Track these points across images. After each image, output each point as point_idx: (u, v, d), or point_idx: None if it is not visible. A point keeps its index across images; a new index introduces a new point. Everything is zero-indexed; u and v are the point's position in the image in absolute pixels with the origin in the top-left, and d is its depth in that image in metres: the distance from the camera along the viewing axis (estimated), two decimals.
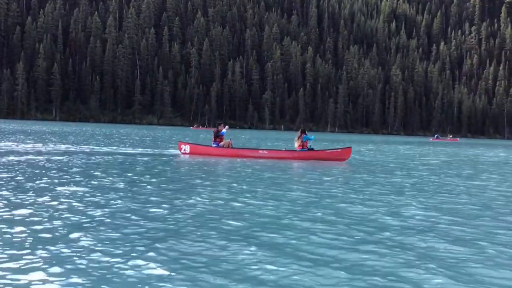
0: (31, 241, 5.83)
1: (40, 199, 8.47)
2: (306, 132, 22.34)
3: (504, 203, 10.57)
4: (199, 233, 6.50)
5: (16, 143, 24.58)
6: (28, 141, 26.98)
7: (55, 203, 8.24)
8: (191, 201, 9.14)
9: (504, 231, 7.42)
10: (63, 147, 23.88)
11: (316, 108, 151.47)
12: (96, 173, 13.16)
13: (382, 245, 6.21)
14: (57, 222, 6.80)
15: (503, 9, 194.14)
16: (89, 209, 7.86)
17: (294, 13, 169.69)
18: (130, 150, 23.51)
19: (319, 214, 8.29)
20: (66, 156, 18.00)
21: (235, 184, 11.99)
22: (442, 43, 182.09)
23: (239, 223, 7.24)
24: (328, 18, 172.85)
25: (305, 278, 4.88)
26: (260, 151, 22.89)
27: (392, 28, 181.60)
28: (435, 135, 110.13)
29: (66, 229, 6.45)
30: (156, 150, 24.36)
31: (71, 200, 8.61)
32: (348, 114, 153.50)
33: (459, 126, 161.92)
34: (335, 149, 23.11)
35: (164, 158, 19.89)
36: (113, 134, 47.02)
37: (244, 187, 11.61)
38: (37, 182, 10.72)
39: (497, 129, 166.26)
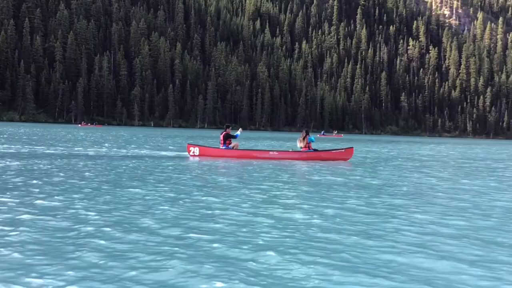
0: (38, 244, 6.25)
1: None
2: (310, 134, 24.14)
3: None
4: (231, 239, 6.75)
5: None
6: None
7: None
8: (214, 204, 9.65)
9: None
10: None
11: (186, 104, 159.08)
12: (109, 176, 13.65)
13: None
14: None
15: (359, 10, 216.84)
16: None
17: (160, 8, 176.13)
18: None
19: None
20: None
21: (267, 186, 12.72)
22: (304, 42, 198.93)
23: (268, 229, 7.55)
24: (195, 15, 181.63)
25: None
26: (270, 153, 24.10)
27: (257, 26, 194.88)
28: (322, 132, 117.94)
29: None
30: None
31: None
32: (217, 111, 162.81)
33: (321, 122, 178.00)
34: (339, 149, 24.81)
35: (172, 162, 20.12)
36: None
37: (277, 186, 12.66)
38: None
39: (355, 125, 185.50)
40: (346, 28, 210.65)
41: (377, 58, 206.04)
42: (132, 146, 31.65)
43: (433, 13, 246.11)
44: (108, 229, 7.08)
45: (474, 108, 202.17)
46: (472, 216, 9.16)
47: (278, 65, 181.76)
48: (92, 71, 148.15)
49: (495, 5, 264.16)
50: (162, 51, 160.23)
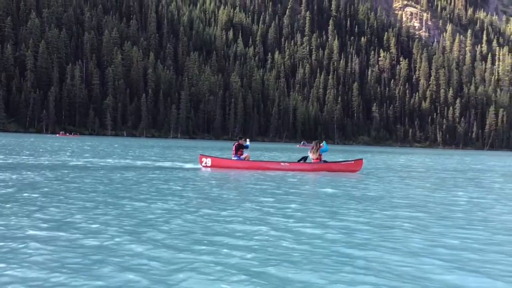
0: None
1: None
2: (321, 144, 24.28)
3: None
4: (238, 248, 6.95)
5: None
6: None
7: None
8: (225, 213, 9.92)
9: None
10: None
11: (159, 114, 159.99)
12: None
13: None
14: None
15: (331, 22, 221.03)
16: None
17: (133, 17, 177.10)
18: None
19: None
20: None
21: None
22: (277, 52, 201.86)
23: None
24: (168, 24, 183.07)
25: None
26: (282, 164, 24.26)
27: (230, 36, 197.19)
28: (302, 142, 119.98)
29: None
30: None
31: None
32: (190, 120, 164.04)
33: (294, 132, 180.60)
34: (348, 161, 25.01)
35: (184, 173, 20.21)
36: None
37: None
38: None
39: (328, 135, 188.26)
40: (318, 39, 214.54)
41: (349, 69, 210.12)
42: (148, 157, 31.81)
43: (404, 25, 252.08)
44: (125, 242, 7.13)
45: (444, 119, 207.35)
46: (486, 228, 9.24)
47: (251, 75, 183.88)
48: (64, 80, 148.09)
49: (463, 17, 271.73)
50: (135, 61, 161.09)
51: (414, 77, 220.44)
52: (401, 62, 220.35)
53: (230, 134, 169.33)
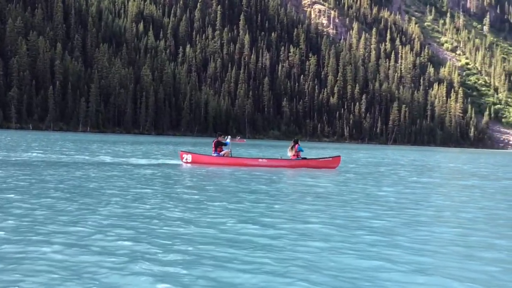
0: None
1: None
2: (299, 143, 25.45)
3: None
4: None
5: None
6: None
7: None
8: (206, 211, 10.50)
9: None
10: None
11: (67, 107, 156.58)
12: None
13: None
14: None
15: (242, 16, 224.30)
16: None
17: (38, 6, 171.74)
18: None
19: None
20: None
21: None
22: (188, 46, 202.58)
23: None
24: (75, 14, 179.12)
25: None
26: (260, 160, 25.26)
27: (140, 28, 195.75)
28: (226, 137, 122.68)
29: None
30: None
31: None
32: (100, 114, 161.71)
33: (206, 126, 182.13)
34: (326, 158, 25.93)
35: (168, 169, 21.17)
36: None
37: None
38: None
39: (239, 129, 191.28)
40: (230, 34, 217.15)
41: (260, 64, 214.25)
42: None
43: (312, 22, 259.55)
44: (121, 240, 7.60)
45: (351, 114, 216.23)
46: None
47: (162, 68, 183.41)
48: None
49: (369, 16, 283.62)
50: (41, 51, 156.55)
51: (322, 73, 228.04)
52: (310, 58, 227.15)
53: (141, 128, 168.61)
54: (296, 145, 25.05)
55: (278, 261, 6.69)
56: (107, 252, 6.93)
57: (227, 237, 8.05)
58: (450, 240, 8.60)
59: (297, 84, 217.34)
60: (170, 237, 7.94)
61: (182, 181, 17.22)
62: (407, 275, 6.32)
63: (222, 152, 25.01)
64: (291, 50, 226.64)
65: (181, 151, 26.12)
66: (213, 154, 25.08)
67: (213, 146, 25.18)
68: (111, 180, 16.07)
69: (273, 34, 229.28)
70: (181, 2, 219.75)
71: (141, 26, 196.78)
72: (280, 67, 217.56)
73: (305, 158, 25.48)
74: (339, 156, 26.23)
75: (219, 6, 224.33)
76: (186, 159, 24.77)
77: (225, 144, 25.27)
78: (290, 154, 25.16)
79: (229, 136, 26.45)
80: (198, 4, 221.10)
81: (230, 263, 6.54)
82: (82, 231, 8.12)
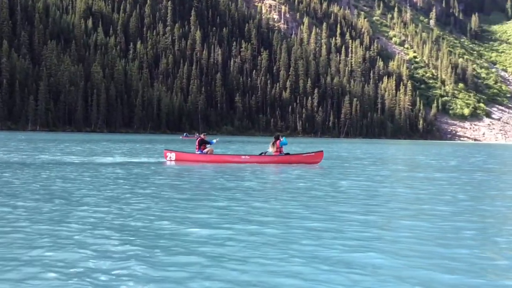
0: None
1: None
2: (281, 138, 25.33)
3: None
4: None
5: None
6: None
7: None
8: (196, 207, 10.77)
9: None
10: None
11: (15, 105, 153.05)
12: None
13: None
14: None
15: (193, 12, 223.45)
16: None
17: None
18: None
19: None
20: None
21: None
22: (139, 42, 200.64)
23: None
24: (21, 11, 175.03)
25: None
26: (243, 157, 25.45)
27: (89, 24, 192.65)
28: (184, 134, 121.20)
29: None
30: None
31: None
32: (50, 112, 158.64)
33: (159, 122, 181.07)
34: (309, 153, 26.17)
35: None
36: None
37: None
38: None
39: (192, 125, 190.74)
40: (181, 29, 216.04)
41: (212, 60, 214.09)
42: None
43: (264, 17, 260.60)
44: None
45: (303, 109, 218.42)
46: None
47: (113, 65, 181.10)
48: None
49: (319, 11, 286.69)
50: None
51: (274, 67, 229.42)
52: (262, 53, 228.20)
53: (93, 126, 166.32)
54: (278, 141, 25.04)
55: (266, 258, 6.75)
56: (95, 252, 6.98)
57: (212, 235, 8.09)
58: (427, 231, 8.84)
59: (249, 79, 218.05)
60: (156, 236, 8.01)
61: (165, 179, 17.42)
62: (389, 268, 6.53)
63: (205, 150, 25.59)
64: (243, 46, 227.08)
65: (165, 149, 26.36)
66: (196, 152, 25.61)
67: (196, 144, 25.69)
68: (92, 181, 15.98)
69: (224, 29, 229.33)
70: None
71: (90, 22, 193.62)
72: (232, 63, 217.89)
73: (288, 154, 25.82)
74: (322, 151, 26.41)
75: (169, 2, 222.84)
76: (170, 157, 25.26)
77: (209, 143, 25.95)
78: (272, 150, 25.34)
79: (218, 138, 27.69)
80: None
81: (218, 261, 6.56)
82: (64, 233, 8.09)
